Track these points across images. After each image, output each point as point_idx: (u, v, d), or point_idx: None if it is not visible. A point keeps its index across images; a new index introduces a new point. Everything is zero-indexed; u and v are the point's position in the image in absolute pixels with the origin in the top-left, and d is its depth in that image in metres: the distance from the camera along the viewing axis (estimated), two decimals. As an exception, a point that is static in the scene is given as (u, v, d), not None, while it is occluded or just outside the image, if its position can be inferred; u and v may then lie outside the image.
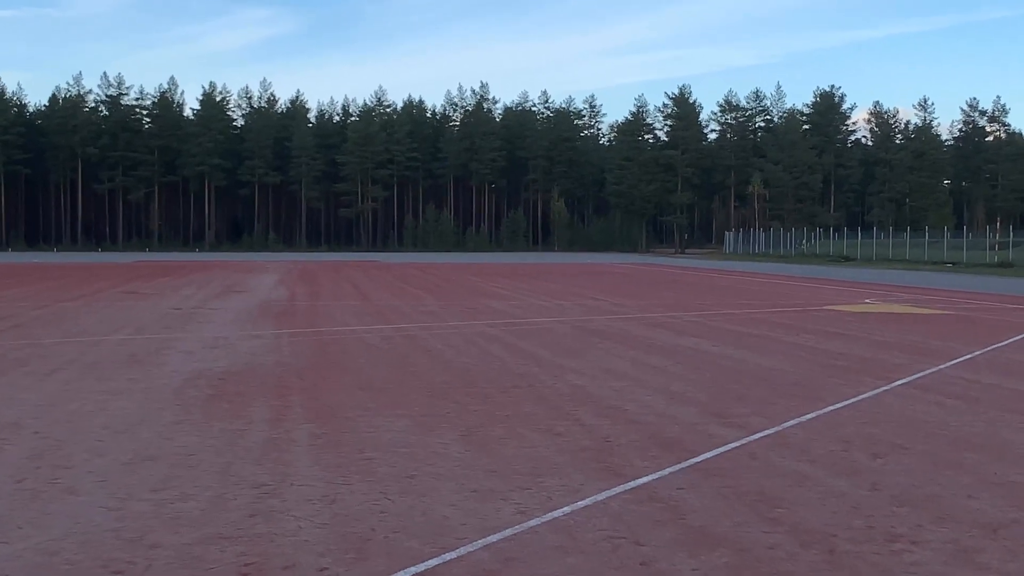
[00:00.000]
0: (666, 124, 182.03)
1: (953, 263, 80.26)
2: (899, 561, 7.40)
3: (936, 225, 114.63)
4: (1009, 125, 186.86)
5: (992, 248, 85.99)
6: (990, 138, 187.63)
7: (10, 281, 52.04)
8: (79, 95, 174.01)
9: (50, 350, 20.86)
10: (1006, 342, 22.84)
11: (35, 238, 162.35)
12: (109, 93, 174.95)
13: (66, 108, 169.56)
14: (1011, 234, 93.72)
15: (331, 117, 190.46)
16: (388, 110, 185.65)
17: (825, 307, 34.94)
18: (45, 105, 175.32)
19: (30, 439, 11.89)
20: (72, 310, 32.41)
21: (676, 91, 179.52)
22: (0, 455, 11.04)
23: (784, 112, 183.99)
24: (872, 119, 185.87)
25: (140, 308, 33.34)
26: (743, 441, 11.62)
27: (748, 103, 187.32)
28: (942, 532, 8.10)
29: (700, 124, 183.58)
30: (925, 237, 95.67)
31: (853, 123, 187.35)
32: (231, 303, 35.27)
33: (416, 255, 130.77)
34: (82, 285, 48.73)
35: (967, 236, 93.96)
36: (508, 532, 8.08)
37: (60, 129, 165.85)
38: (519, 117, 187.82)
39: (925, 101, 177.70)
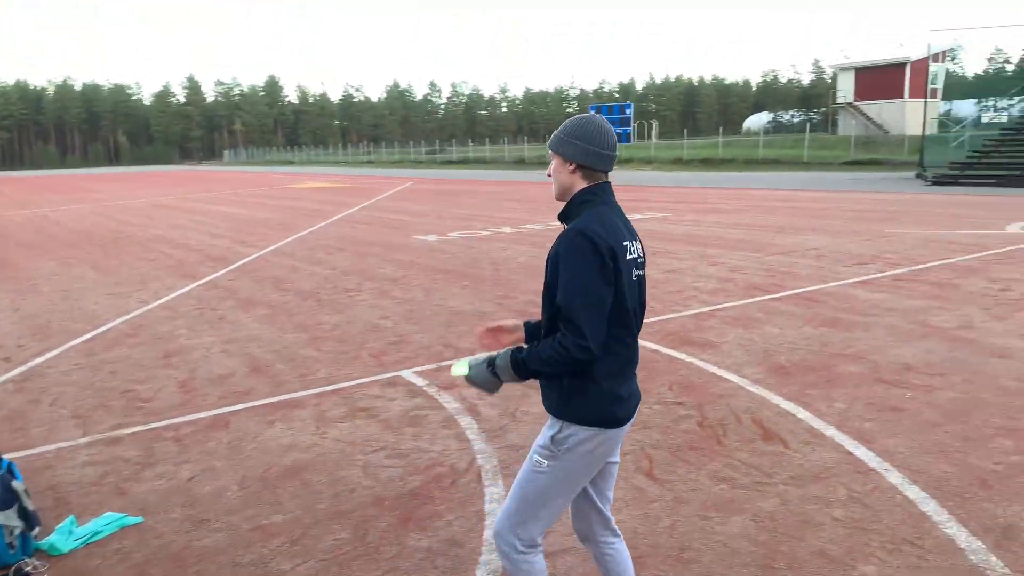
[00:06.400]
0: (185, 92, 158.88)
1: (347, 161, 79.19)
2: (354, 300, 7.51)
3: (334, 145, 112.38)
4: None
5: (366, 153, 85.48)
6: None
7: None
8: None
9: None
10: (382, 196, 23.41)
11: None
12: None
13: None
14: (379, 145, 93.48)
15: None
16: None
17: (288, 185, 33.77)
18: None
19: None
20: None
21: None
22: None
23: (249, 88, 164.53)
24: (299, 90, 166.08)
25: None
26: (258, 254, 11.12)
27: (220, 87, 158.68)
28: (370, 284, 8.32)
29: (203, 94, 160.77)
30: (328, 149, 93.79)
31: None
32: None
33: (50, 170, 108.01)
34: None
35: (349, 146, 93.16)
36: (136, 313, 7.24)
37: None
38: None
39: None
